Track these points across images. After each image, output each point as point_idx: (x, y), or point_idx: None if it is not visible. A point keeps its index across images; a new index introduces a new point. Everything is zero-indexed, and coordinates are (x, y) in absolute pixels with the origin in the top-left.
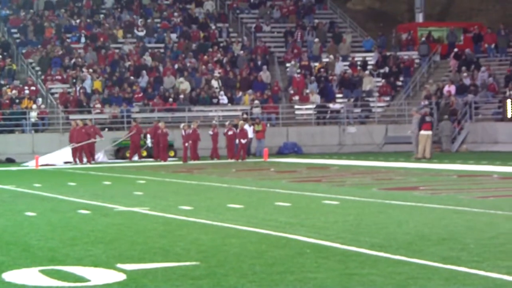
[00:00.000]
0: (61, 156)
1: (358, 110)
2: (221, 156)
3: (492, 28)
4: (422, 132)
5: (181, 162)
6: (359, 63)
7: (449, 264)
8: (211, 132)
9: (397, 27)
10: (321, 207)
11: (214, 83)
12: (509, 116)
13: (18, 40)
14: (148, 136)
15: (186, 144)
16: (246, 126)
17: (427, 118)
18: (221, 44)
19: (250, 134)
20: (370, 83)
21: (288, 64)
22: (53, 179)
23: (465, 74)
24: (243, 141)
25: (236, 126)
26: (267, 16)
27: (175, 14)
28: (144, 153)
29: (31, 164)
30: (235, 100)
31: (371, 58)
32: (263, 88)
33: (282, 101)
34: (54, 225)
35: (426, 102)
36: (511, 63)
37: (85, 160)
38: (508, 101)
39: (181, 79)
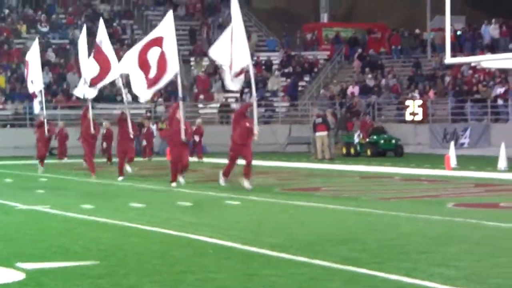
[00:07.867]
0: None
1: (262, 109)
2: None
3: (396, 29)
4: (316, 134)
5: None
6: (263, 62)
7: (350, 265)
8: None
9: (302, 27)
10: (223, 207)
11: (118, 80)
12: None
13: None
14: None
15: None
16: (150, 125)
17: (317, 120)
18: (126, 42)
19: (154, 132)
20: (277, 84)
21: (192, 63)
22: None
23: (369, 76)
24: (196, 138)
25: (140, 124)
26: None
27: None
28: None
29: None
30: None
31: (276, 57)
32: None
33: (186, 99)
34: None
35: (329, 103)
36: (414, 65)
37: None
38: (410, 102)
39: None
